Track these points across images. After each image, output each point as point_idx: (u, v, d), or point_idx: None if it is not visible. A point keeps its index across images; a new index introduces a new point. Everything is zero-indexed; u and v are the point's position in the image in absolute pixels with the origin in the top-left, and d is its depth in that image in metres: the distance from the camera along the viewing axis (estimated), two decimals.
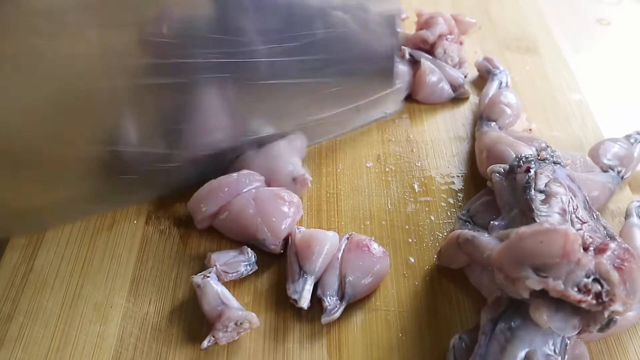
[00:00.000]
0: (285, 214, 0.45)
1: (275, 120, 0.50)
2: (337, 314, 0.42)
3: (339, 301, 0.42)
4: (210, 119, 0.46)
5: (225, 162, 0.50)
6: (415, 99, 0.60)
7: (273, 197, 0.46)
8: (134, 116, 0.43)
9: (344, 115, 0.53)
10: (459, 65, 0.61)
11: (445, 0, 0.74)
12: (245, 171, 0.48)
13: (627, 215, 0.46)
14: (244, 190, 0.46)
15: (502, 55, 0.66)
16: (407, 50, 0.59)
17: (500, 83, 0.59)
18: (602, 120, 0.59)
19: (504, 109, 0.54)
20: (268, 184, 0.49)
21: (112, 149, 0.44)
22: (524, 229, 0.37)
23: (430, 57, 0.59)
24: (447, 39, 0.60)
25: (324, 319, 0.41)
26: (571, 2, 0.77)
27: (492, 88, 0.58)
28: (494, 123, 0.54)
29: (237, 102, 0.47)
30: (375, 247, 0.44)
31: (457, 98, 0.60)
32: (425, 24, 0.61)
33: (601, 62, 0.67)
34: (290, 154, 0.50)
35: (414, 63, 0.59)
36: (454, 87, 0.60)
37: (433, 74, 0.58)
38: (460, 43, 0.62)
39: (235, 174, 0.47)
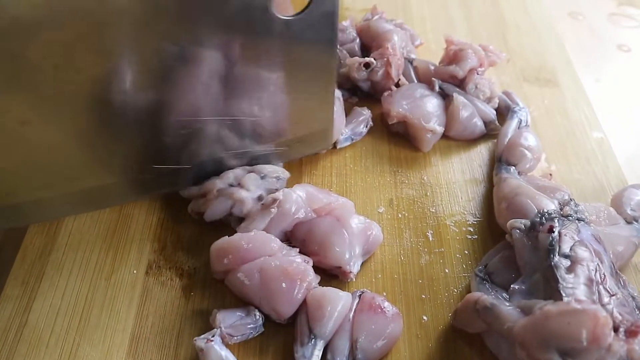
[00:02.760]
0: (291, 294, 0.41)
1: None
2: None
3: None
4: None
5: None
6: (446, 135, 0.57)
7: (280, 274, 0.42)
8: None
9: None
10: (489, 100, 0.58)
11: (461, 27, 0.71)
12: (272, 237, 0.45)
13: None
14: (265, 256, 0.43)
15: (520, 88, 0.63)
16: (437, 83, 0.57)
17: (520, 121, 0.56)
18: (623, 158, 0.57)
19: (524, 152, 0.52)
20: (314, 252, 0.45)
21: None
22: (549, 307, 0.35)
23: (460, 90, 0.57)
24: (477, 73, 0.57)
25: None
26: (590, 27, 0.74)
27: (511, 127, 0.55)
28: (514, 168, 0.51)
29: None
30: (388, 308, 0.42)
31: (488, 134, 0.57)
32: (454, 57, 0.57)
33: (622, 92, 0.65)
34: (356, 242, 0.45)
35: (445, 97, 0.57)
36: (485, 123, 0.57)
37: (465, 109, 0.55)
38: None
39: (262, 234, 0.45)
